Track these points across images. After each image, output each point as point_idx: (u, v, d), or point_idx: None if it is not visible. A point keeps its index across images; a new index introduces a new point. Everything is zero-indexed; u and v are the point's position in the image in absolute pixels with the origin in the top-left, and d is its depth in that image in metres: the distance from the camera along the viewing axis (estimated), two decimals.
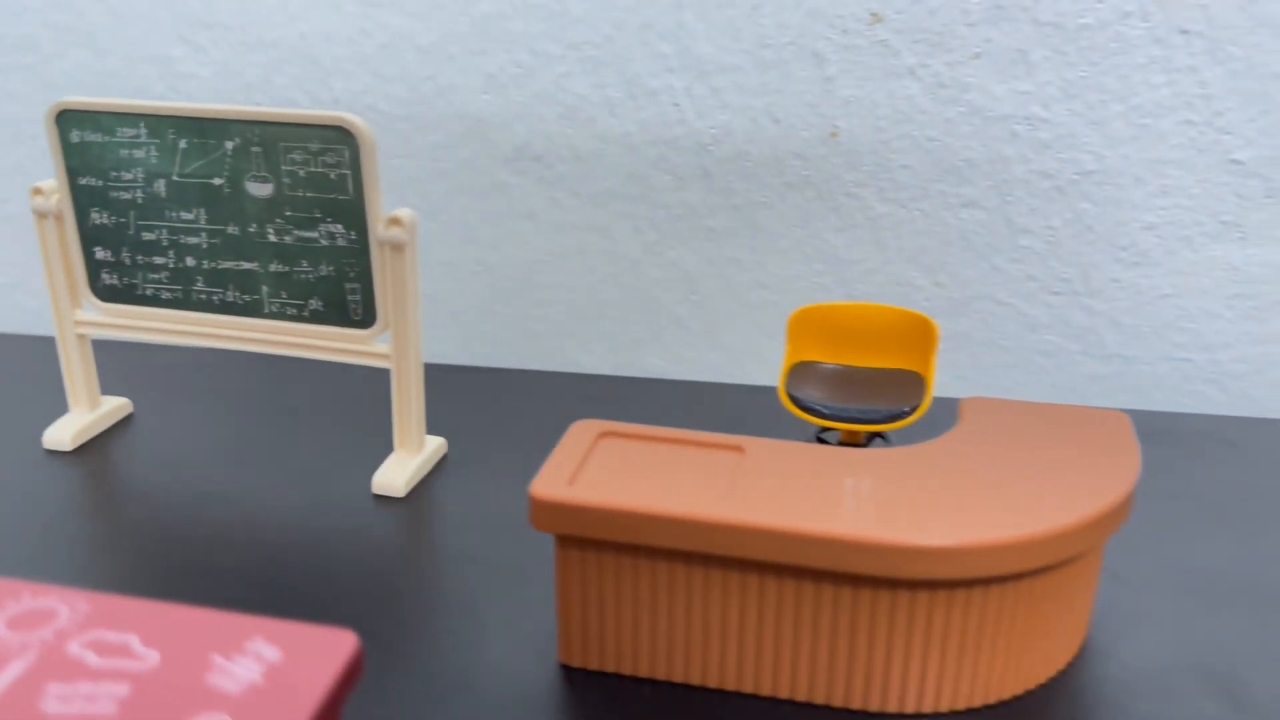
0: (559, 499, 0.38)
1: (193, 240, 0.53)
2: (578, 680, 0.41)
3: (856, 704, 0.39)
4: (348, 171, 0.49)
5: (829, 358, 0.49)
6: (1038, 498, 0.38)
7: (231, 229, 0.52)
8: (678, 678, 0.40)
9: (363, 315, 0.52)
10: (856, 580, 0.37)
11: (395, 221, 0.49)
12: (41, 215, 0.54)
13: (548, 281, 0.70)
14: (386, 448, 0.56)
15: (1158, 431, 0.59)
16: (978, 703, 0.39)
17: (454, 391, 0.63)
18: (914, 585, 0.37)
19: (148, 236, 0.53)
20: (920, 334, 0.48)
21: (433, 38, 0.66)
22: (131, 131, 0.51)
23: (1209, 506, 0.52)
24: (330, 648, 0.26)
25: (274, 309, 0.53)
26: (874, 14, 0.60)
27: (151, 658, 0.26)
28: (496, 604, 0.45)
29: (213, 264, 0.53)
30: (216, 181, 0.51)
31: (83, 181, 0.53)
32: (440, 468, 0.56)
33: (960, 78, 0.61)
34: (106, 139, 0.52)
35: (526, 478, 0.44)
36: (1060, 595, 0.39)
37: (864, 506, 0.37)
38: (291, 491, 0.53)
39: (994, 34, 0.60)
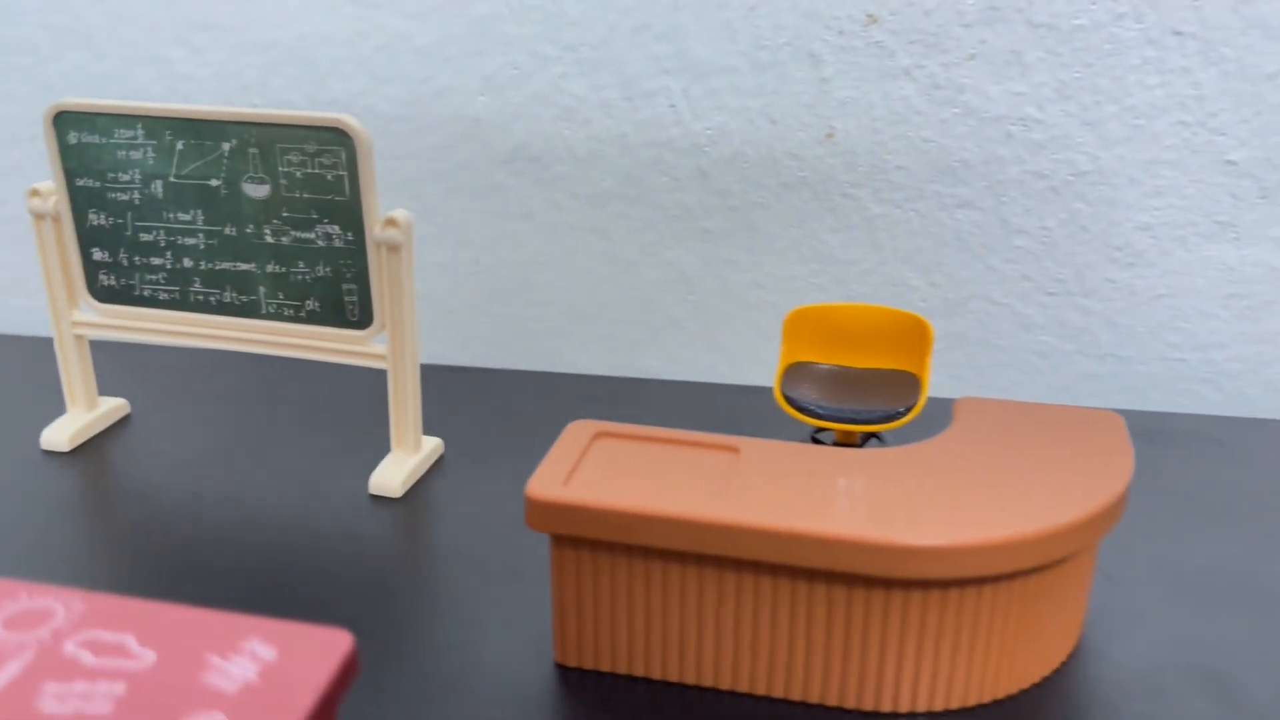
0: (554, 499, 0.38)
1: (190, 241, 0.53)
2: (573, 679, 0.41)
3: (850, 703, 0.39)
4: (344, 173, 0.49)
5: (824, 358, 0.49)
6: (1031, 498, 0.38)
7: (228, 230, 0.52)
8: (672, 677, 0.41)
9: (359, 316, 0.52)
10: (850, 580, 0.37)
11: (391, 222, 0.50)
12: (39, 216, 0.55)
13: (545, 282, 0.70)
14: (383, 448, 0.56)
15: (1152, 431, 0.59)
16: (971, 702, 0.39)
17: (451, 392, 0.63)
18: (908, 585, 0.37)
19: (145, 238, 0.54)
20: (915, 334, 0.48)
21: (430, 39, 0.66)
22: (129, 133, 0.51)
23: (1203, 506, 0.52)
24: (325, 647, 0.26)
25: (271, 310, 0.53)
26: (870, 15, 0.61)
27: (147, 657, 0.26)
28: (492, 603, 0.45)
29: (210, 265, 0.53)
30: (213, 183, 0.51)
31: (80, 183, 0.53)
32: (437, 468, 0.56)
33: (955, 79, 0.61)
34: (104, 140, 0.52)
35: (523, 478, 0.45)
36: (1054, 595, 0.39)
37: (857, 506, 0.38)
38: (288, 491, 0.54)
39: (989, 35, 0.60)
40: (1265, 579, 0.47)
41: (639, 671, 0.41)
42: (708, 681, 0.40)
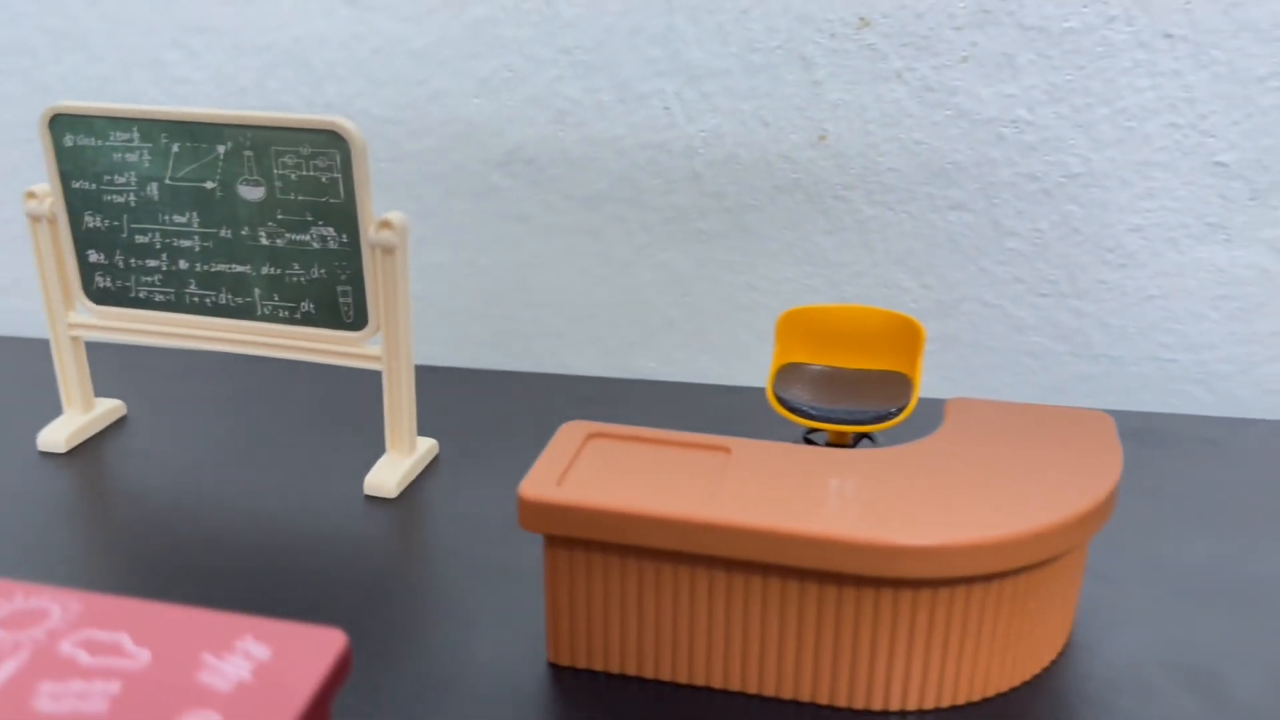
0: (547, 499, 0.39)
1: (185, 243, 0.53)
2: (566, 679, 0.41)
3: (842, 702, 0.39)
4: (339, 175, 0.49)
5: (816, 359, 0.49)
6: (1021, 497, 0.38)
7: (224, 232, 0.52)
8: (665, 676, 0.41)
9: (354, 317, 0.52)
10: (842, 579, 0.37)
11: (386, 224, 0.50)
12: (35, 219, 0.55)
13: (540, 283, 0.71)
14: (378, 449, 0.56)
15: (1143, 431, 0.59)
16: (962, 700, 0.40)
17: (446, 393, 0.64)
18: (899, 584, 0.37)
19: (141, 240, 0.54)
20: (906, 335, 0.48)
21: (425, 42, 0.66)
22: (124, 136, 0.52)
23: (1193, 506, 0.53)
24: (319, 646, 0.27)
25: (266, 311, 0.54)
26: (862, 18, 0.61)
27: (143, 656, 0.26)
28: (486, 603, 0.45)
29: (205, 267, 0.54)
30: (209, 185, 0.52)
31: (76, 185, 0.53)
32: (432, 469, 0.56)
33: (947, 81, 0.62)
34: (100, 143, 0.52)
35: (517, 479, 0.45)
36: (1043, 594, 0.40)
37: (848, 506, 0.38)
38: (284, 492, 0.54)
39: (980, 38, 0.60)
40: (1254, 578, 0.47)
41: (632, 671, 0.41)
42: (700, 681, 0.41)
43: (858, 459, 0.41)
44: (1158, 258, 0.63)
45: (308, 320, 0.53)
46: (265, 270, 0.53)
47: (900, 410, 0.45)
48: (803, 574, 0.38)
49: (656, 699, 0.40)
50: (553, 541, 0.40)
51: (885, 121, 0.63)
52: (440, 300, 0.72)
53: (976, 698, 0.40)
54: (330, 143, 0.49)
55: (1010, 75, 0.61)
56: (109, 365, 0.65)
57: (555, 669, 0.42)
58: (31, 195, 0.54)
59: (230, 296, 0.54)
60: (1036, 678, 0.41)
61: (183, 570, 0.48)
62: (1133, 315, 0.65)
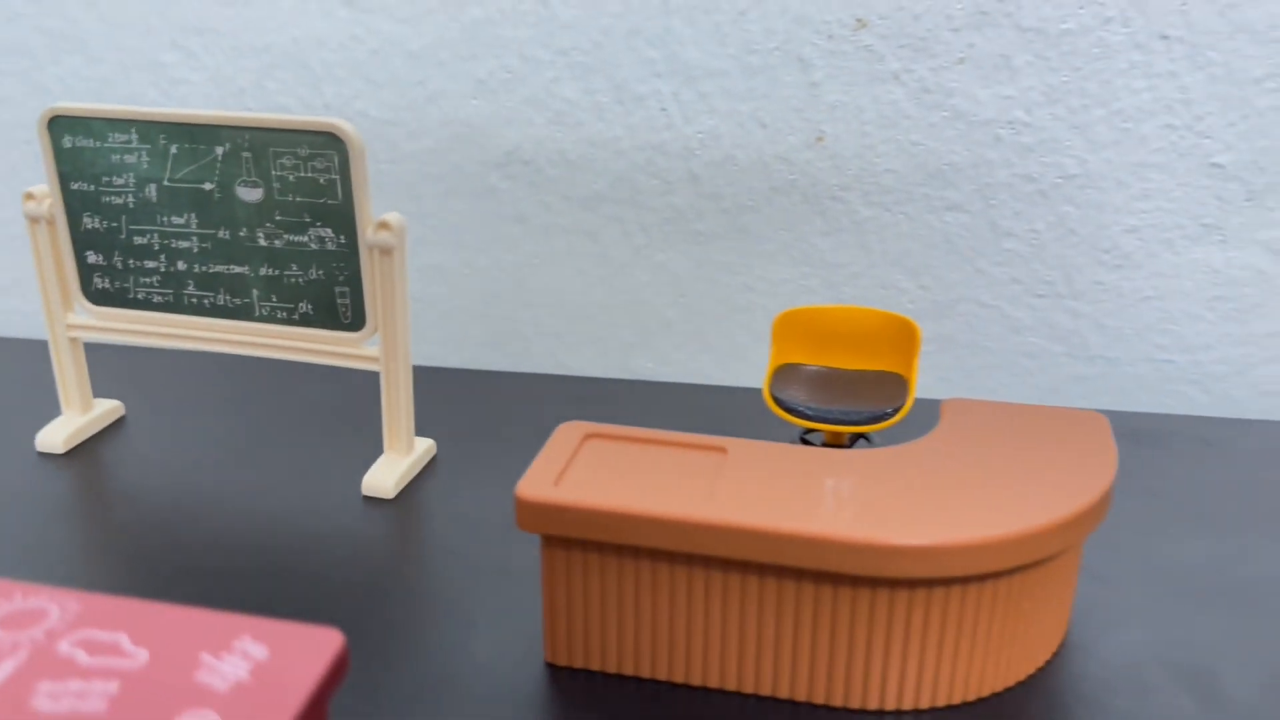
0: (544, 500, 0.39)
1: (183, 244, 0.53)
2: (563, 678, 0.41)
3: (838, 701, 0.40)
4: (336, 176, 0.50)
5: (813, 360, 0.50)
6: (1016, 497, 0.39)
7: (222, 233, 0.53)
8: (662, 676, 0.41)
9: (352, 318, 0.53)
10: (837, 579, 0.38)
11: (384, 226, 0.50)
12: (34, 220, 0.55)
13: (537, 284, 0.71)
14: (376, 449, 0.56)
15: (1139, 432, 0.60)
16: (958, 700, 0.40)
17: (444, 394, 0.64)
18: (894, 584, 0.37)
19: (139, 241, 0.54)
20: (902, 336, 0.48)
21: (423, 43, 0.66)
22: (123, 137, 0.52)
23: (1189, 506, 0.53)
24: (316, 646, 0.27)
25: (264, 312, 0.54)
26: (859, 20, 0.61)
27: (141, 656, 0.26)
28: (484, 603, 0.45)
29: (203, 268, 0.54)
30: (207, 186, 0.52)
31: (75, 186, 0.54)
32: (429, 469, 0.56)
33: (944, 83, 0.62)
34: (98, 144, 0.52)
35: (515, 479, 0.45)
36: (1039, 593, 0.40)
37: (844, 506, 0.38)
38: (282, 493, 0.54)
39: (977, 39, 0.61)
40: (1249, 578, 0.47)
41: (628, 670, 0.41)
42: (696, 680, 0.41)
43: (854, 459, 0.41)
44: (1154, 259, 0.64)
45: (306, 321, 0.53)
46: (263, 271, 0.53)
47: (896, 411, 0.46)
48: (799, 574, 0.38)
49: (653, 699, 0.40)
50: (550, 541, 0.40)
51: (882, 123, 0.63)
52: (438, 301, 0.73)
53: (972, 697, 0.40)
54: (328, 144, 0.49)
55: (1007, 77, 0.61)
56: (107, 366, 0.65)
57: (552, 669, 0.42)
58: (30, 196, 0.55)
59: (228, 297, 0.54)
60: (1032, 677, 0.41)
61: (181, 570, 0.48)
62: (1129, 316, 0.65)
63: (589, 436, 0.43)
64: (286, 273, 0.52)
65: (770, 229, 0.67)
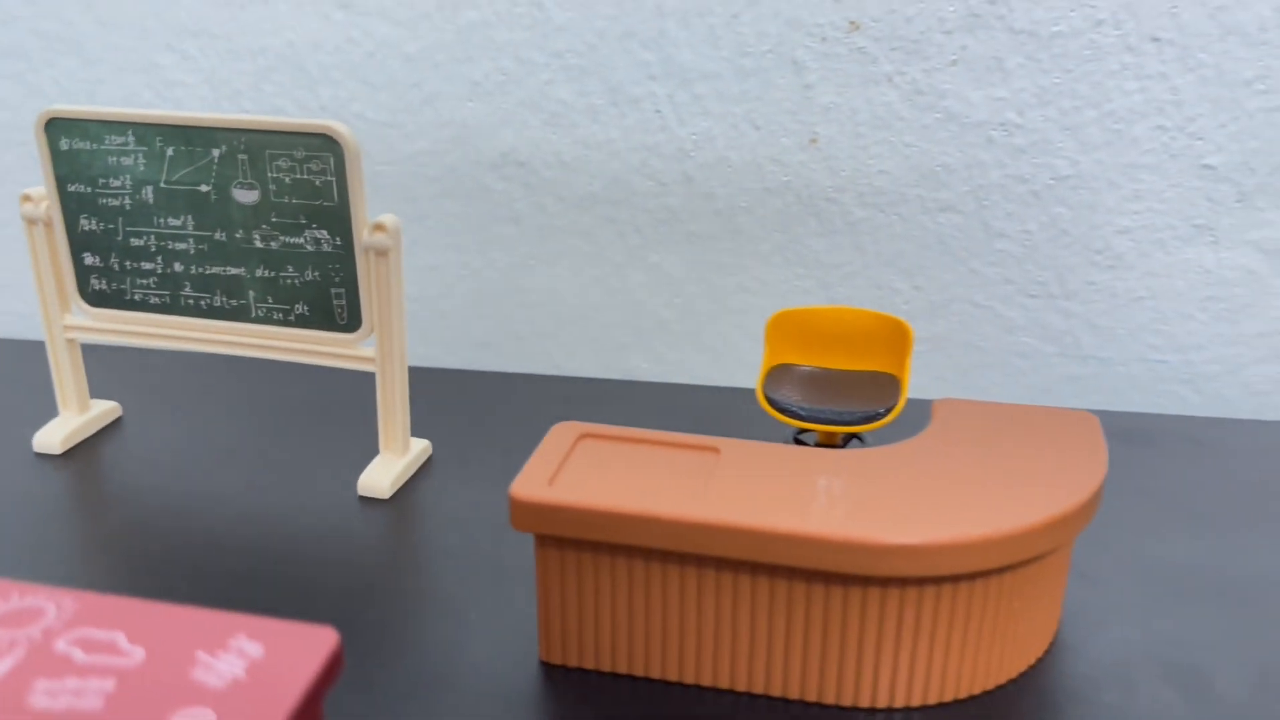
0: (538, 499, 0.39)
1: (180, 246, 0.54)
2: (557, 677, 0.41)
3: (830, 699, 0.40)
4: (332, 178, 0.50)
5: (806, 360, 0.50)
6: (1006, 497, 0.39)
7: (218, 235, 0.53)
8: (655, 674, 0.41)
9: (348, 319, 0.53)
10: (829, 578, 0.38)
11: (379, 227, 0.50)
12: (31, 222, 0.55)
13: (532, 285, 0.71)
14: (372, 450, 0.57)
15: (1132, 432, 0.60)
16: (949, 697, 0.40)
17: (439, 394, 0.64)
18: (885, 582, 0.38)
19: (136, 242, 0.54)
20: (895, 337, 0.49)
21: (419, 46, 0.67)
22: (119, 139, 0.52)
23: (1179, 505, 0.53)
24: (311, 644, 0.27)
25: (260, 314, 0.54)
26: (852, 22, 0.61)
27: (137, 654, 0.27)
28: (478, 603, 0.46)
29: (200, 269, 0.54)
30: (203, 188, 0.52)
31: (71, 188, 0.54)
32: (425, 469, 0.56)
33: (937, 84, 0.62)
34: (95, 147, 0.52)
35: (510, 479, 0.45)
36: (1029, 592, 0.40)
37: (836, 505, 0.38)
38: (278, 493, 0.54)
39: (969, 41, 0.61)
40: (1239, 576, 0.48)
41: (622, 669, 0.41)
42: (690, 678, 0.41)
43: (845, 459, 0.42)
44: (1146, 259, 0.64)
45: (302, 322, 0.53)
46: (259, 273, 0.53)
47: (888, 411, 0.46)
48: (791, 572, 0.38)
49: (647, 697, 0.40)
50: (544, 541, 0.40)
51: (875, 124, 0.63)
52: (434, 302, 0.73)
53: (963, 695, 0.40)
54: (324, 146, 0.49)
55: (999, 78, 0.61)
56: (104, 367, 0.65)
57: (547, 667, 0.42)
58: (27, 198, 0.55)
59: (225, 299, 0.54)
60: (1023, 675, 0.42)
61: (178, 570, 0.48)
62: (1121, 316, 0.65)
63: (583, 436, 0.43)
64: (282, 274, 0.53)
65: (764, 230, 0.67)
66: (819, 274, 0.67)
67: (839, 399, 0.47)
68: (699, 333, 0.71)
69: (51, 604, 0.28)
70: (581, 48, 0.65)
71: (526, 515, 0.39)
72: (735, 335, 0.70)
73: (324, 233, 0.51)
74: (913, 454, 0.42)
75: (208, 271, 0.54)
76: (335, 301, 0.53)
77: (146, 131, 0.52)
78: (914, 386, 0.63)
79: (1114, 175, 0.62)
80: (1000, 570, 0.38)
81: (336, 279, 0.52)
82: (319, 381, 0.64)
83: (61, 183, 0.54)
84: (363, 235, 0.50)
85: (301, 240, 0.52)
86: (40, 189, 0.55)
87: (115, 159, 0.52)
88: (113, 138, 0.52)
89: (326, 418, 0.62)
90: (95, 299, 0.56)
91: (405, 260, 0.58)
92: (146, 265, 0.55)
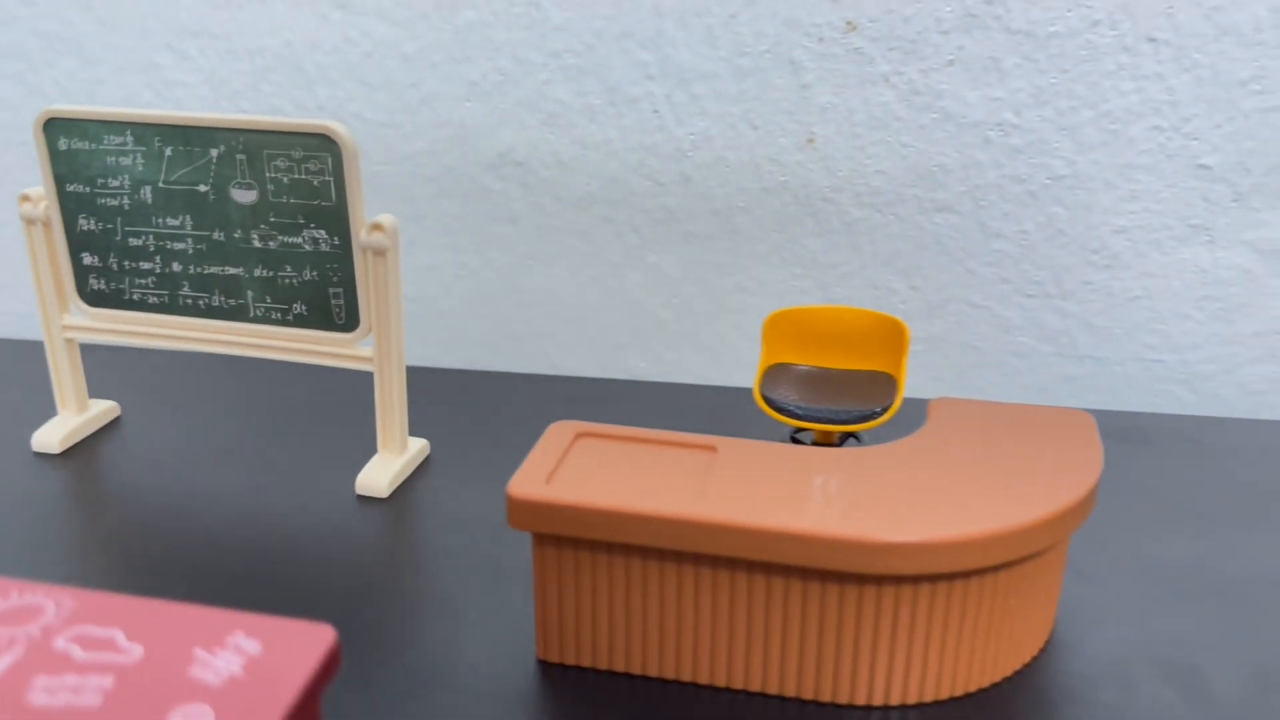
0: (535, 498, 0.39)
1: (178, 246, 0.54)
2: (555, 675, 0.42)
3: (827, 697, 0.40)
4: (330, 178, 0.50)
5: (803, 359, 0.50)
6: (1002, 494, 0.39)
7: (216, 235, 0.53)
8: (652, 672, 0.41)
9: (346, 319, 0.53)
10: (826, 576, 0.38)
11: (377, 227, 0.50)
12: (30, 221, 0.55)
13: (530, 285, 0.71)
14: (370, 449, 0.57)
15: (1128, 431, 0.60)
16: (945, 695, 0.40)
17: (437, 394, 0.64)
18: (882, 580, 0.38)
19: (134, 242, 0.54)
20: (892, 336, 0.49)
21: (417, 46, 0.67)
22: (118, 139, 0.52)
23: (1175, 504, 0.53)
24: (308, 641, 0.27)
25: (259, 313, 0.54)
26: (849, 22, 0.62)
27: (135, 651, 0.27)
28: (476, 601, 0.46)
29: (198, 269, 0.54)
30: (202, 188, 0.52)
31: (70, 188, 0.54)
32: (423, 469, 0.57)
33: (934, 85, 0.62)
34: (94, 147, 0.53)
35: (507, 478, 0.45)
36: (1025, 590, 0.40)
37: (832, 504, 0.38)
38: (276, 492, 0.54)
39: (966, 42, 0.61)
40: (1233, 574, 0.48)
41: (619, 667, 0.42)
42: (687, 676, 0.41)
43: (841, 457, 0.42)
44: (1142, 259, 0.64)
45: (300, 322, 0.54)
46: (258, 272, 0.53)
47: (885, 410, 0.46)
48: (788, 570, 0.38)
49: (644, 695, 0.41)
50: (541, 539, 0.40)
51: (873, 124, 0.64)
52: (432, 302, 0.73)
53: (959, 693, 0.40)
54: (322, 146, 0.49)
55: (996, 79, 0.62)
56: (103, 367, 0.65)
57: (544, 665, 0.42)
58: (26, 198, 0.55)
59: (223, 298, 0.54)
60: (1018, 673, 0.42)
61: (176, 569, 0.48)
62: (1118, 316, 0.65)
63: (580, 435, 0.43)
64: (281, 274, 0.53)
65: (762, 230, 0.67)
66: (816, 274, 0.67)
67: (836, 398, 0.47)
68: (697, 332, 0.71)
69: (50, 601, 0.28)
70: (579, 48, 0.65)
71: (524, 514, 0.39)
72: (733, 335, 0.70)
73: (322, 232, 0.51)
74: (908, 452, 0.42)
75: (206, 271, 0.54)
76: (333, 301, 0.53)
77: (145, 131, 0.52)
78: (911, 387, 0.64)
79: (1110, 175, 0.62)
80: (996, 568, 0.38)
81: (334, 279, 0.52)
82: (317, 381, 0.64)
83: (60, 182, 0.54)
84: (360, 235, 0.51)
85: (299, 240, 0.52)
86: (39, 189, 0.55)
87: (114, 159, 0.53)
88: (111, 137, 0.52)
89: (324, 417, 0.62)
90: (94, 299, 0.56)
91: (403, 260, 0.58)
92: (145, 265, 0.55)
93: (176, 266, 0.54)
